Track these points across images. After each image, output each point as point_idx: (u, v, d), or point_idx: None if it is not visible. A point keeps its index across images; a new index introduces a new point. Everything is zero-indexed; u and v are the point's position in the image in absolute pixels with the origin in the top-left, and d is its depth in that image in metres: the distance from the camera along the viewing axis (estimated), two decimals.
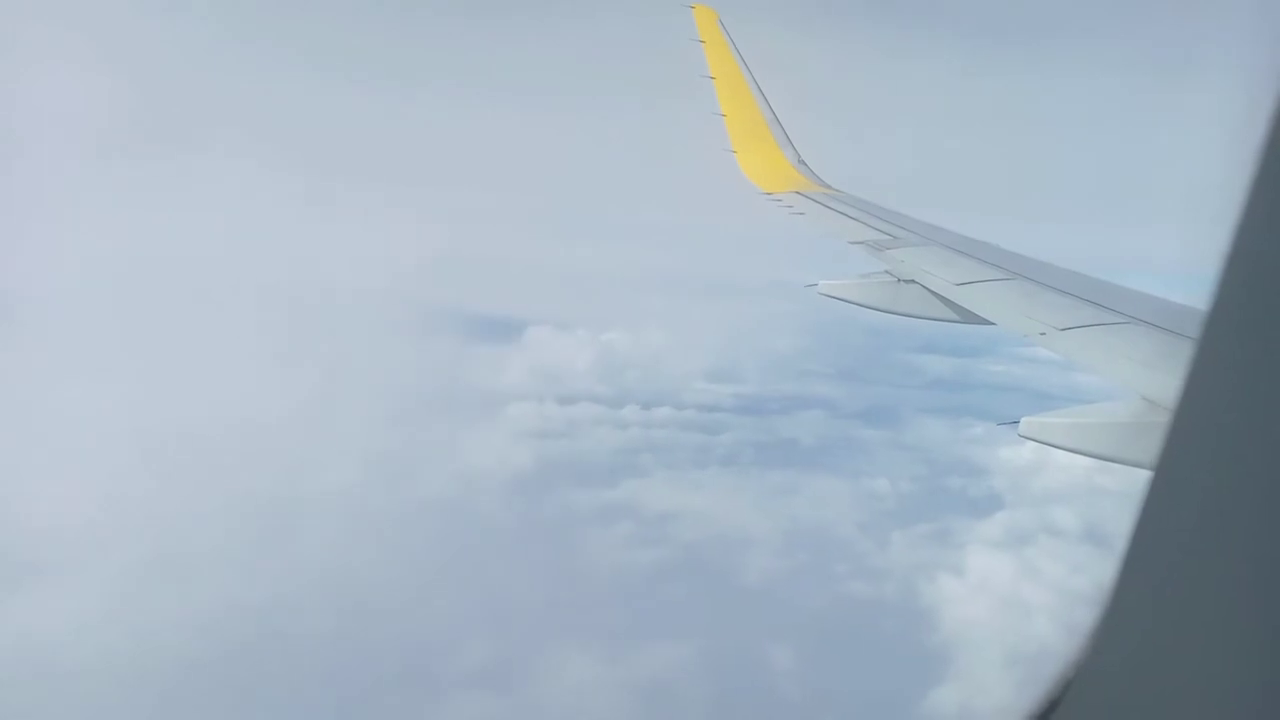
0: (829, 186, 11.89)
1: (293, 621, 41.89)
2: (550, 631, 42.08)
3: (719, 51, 12.12)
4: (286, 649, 39.83)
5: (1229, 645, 0.81)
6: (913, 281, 8.26)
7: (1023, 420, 5.73)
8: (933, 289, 8.03)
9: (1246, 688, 0.79)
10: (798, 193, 11.41)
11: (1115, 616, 0.97)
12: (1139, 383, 5.54)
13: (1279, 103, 0.81)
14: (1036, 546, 51.54)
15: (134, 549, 45.52)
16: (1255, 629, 0.78)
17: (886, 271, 8.61)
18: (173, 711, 36.06)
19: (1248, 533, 0.80)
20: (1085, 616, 1.01)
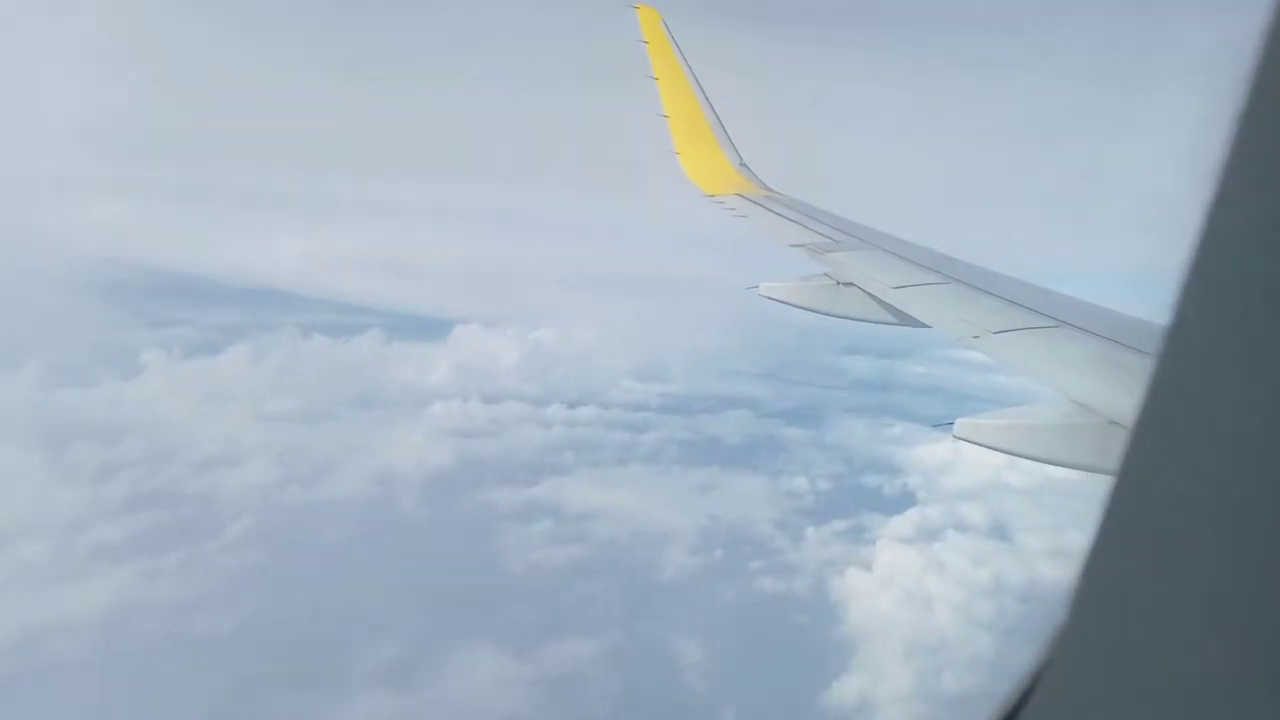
0: (770, 189, 11.93)
1: (205, 621, 40.47)
2: (466, 629, 41.67)
3: (662, 52, 12.07)
4: (196, 650, 38.49)
5: (1196, 644, 0.81)
6: (851, 284, 8.29)
7: (957, 422, 5.88)
8: (870, 292, 8.04)
9: (1214, 686, 0.79)
10: (739, 195, 11.43)
11: (1080, 616, 0.96)
12: (1067, 385, 5.74)
13: (1238, 110, 0.81)
14: (944, 541, 53.42)
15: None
16: (1223, 628, 0.79)
17: (826, 274, 8.59)
18: None
19: (1213, 532, 0.81)
20: (1051, 616, 1.00)
